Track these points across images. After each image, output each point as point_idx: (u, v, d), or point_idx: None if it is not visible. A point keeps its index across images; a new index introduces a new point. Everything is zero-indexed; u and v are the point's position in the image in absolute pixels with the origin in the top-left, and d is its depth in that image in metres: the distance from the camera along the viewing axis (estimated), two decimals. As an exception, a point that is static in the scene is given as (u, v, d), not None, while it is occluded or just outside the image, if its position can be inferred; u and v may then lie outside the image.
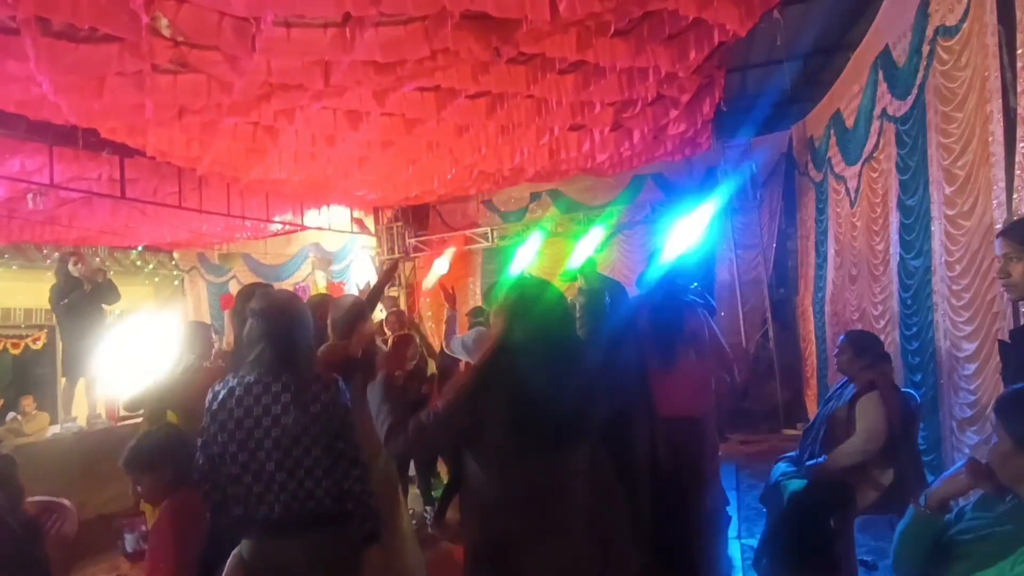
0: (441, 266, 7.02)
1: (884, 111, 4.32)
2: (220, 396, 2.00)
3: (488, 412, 1.73)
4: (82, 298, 5.42)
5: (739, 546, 3.88)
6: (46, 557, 2.43)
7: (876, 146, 4.55)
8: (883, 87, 4.31)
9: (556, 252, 8.41)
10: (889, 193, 4.33)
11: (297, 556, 1.94)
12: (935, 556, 1.46)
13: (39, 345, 9.33)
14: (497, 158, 5.79)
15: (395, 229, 9.00)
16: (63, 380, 5.71)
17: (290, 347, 2.02)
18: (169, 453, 2.29)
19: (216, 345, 5.45)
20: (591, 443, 1.86)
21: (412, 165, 5.84)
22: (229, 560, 2.00)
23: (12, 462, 2.51)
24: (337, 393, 2.04)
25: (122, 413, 5.76)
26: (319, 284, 9.36)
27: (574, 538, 1.78)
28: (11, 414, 7.38)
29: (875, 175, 4.65)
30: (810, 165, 6.74)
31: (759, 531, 3.71)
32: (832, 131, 5.73)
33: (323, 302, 3.26)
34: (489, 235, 8.48)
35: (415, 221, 9.14)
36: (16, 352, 9.26)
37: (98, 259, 9.01)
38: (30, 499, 2.79)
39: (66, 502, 3.15)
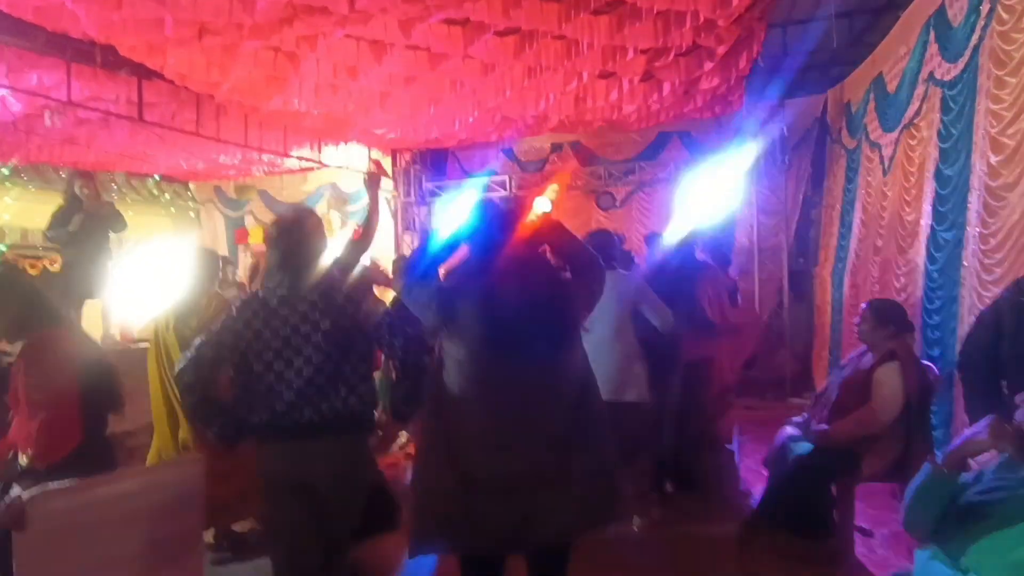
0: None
1: (931, 74, 4.12)
2: (252, 304, 2.08)
3: (460, 304, 1.89)
4: (68, 235, 5.26)
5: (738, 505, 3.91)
6: None
7: (918, 112, 4.37)
8: (933, 48, 4.11)
9: (575, 205, 8.30)
10: (927, 162, 4.17)
11: (319, 460, 2.02)
12: (950, 515, 1.44)
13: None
14: (521, 103, 5.63)
15: (412, 172, 8.89)
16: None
17: (312, 260, 2.13)
18: (9, 290, 2.21)
19: (230, 276, 5.47)
20: (568, 362, 1.95)
21: (434, 104, 5.70)
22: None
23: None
24: (360, 309, 2.15)
25: (136, 336, 5.83)
26: (334, 224, 9.32)
27: (533, 445, 1.85)
28: (27, 332, 7.51)
29: (913, 143, 4.48)
30: (844, 131, 6.51)
31: (759, 492, 3.73)
32: (872, 95, 5.51)
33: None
34: (507, 184, 8.35)
35: (433, 166, 9.02)
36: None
37: (114, 185, 9.02)
38: None
39: None
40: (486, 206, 2.07)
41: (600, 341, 3.21)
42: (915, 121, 4.44)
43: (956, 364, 3.02)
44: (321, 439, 2.01)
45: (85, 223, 5.29)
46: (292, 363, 2.00)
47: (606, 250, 3.52)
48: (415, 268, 1.99)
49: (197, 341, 2.08)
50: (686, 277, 3.94)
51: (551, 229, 2.03)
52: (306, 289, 2.07)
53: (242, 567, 3.21)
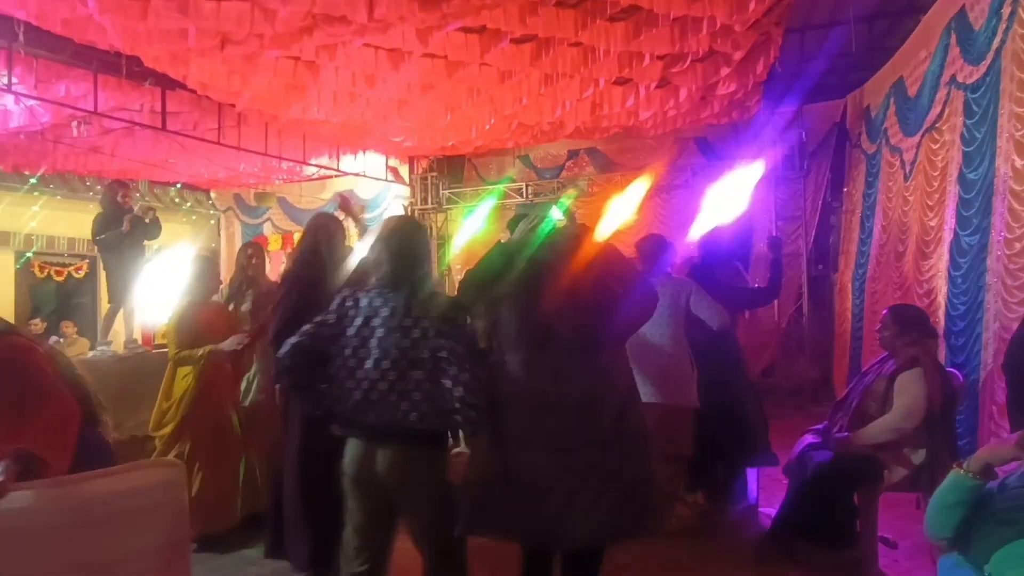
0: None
1: (953, 78, 4.07)
2: (346, 304, 2.13)
3: (504, 313, 2.09)
4: (122, 236, 5.49)
5: (757, 514, 3.86)
6: None
7: (940, 115, 4.31)
8: (955, 52, 4.06)
9: (590, 212, 8.28)
10: (949, 166, 4.11)
11: (382, 463, 2.04)
12: (973, 522, 1.41)
13: (81, 274, 9.62)
14: (538, 110, 5.65)
15: (429, 180, 8.94)
16: (107, 306, 5.88)
17: (410, 269, 2.13)
18: None
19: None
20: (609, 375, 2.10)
21: (451, 112, 5.74)
22: None
23: None
24: (450, 318, 2.11)
25: (157, 340, 5.93)
26: (351, 231, 9.39)
27: (575, 451, 1.98)
28: (53, 338, 7.68)
29: (935, 146, 4.42)
30: (864, 136, 6.45)
31: (779, 501, 3.67)
32: (892, 99, 5.45)
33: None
34: (524, 191, 8.37)
35: (450, 173, 9.07)
36: (60, 280, 9.57)
37: (138, 194, 9.20)
38: None
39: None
40: (551, 226, 2.22)
41: (658, 345, 3.33)
42: (937, 125, 4.39)
43: (1002, 367, 2.96)
44: (383, 444, 2.04)
45: (134, 224, 5.44)
46: (364, 363, 2.04)
47: (659, 255, 3.63)
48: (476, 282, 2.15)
49: (303, 329, 2.16)
50: None
51: (610, 255, 2.16)
52: (399, 295, 2.09)
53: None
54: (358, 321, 2.07)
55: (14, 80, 4.81)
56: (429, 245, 2.29)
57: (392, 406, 2.00)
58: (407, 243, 2.16)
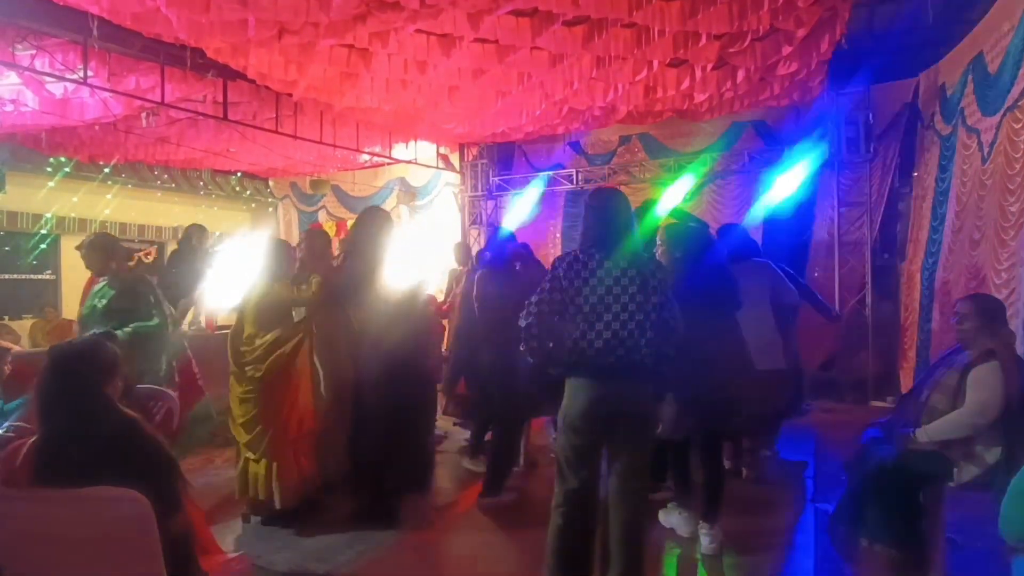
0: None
1: (1040, 51, 3.78)
2: (574, 267, 2.45)
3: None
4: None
5: (813, 510, 3.74)
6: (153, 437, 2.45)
7: (1023, 93, 4.02)
8: (1042, 23, 3.76)
9: (642, 199, 8.14)
10: (1033, 146, 3.83)
11: (619, 395, 2.42)
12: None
13: (150, 259, 10.12)
14: (589, 94, 5.57)
15: (479, 167, 8.96)
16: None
17: (620, 232, 2.50)
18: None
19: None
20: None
21: (501, 98, 5.72)
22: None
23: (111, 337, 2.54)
24: (666, 274, 2.58)
25: (219, 323, 6.18)
26: (403, 218, 9.54)
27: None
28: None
29: (1018, 126, 4.12)
30: (937, 117, 6.07)
31: (836, 498, 3.55)
32: (970, 77, 5.10)
33: None
34: (574, 177, 8.29)
35: (500, 160, 9.06)
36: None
37: (201, 182, 9.61)
38: (138, 386, 3.04)
39: (171, 393, 3.43)
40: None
41: (754, 318, 3.72)
42: (1020, 103, 4.09)
43: None
44: (622, 378, 2.40)
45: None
46: (602, 316, 2.38)
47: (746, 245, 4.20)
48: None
49: (535, 298, 2.46)
50: None
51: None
52: (618, 256, 2.44)
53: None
54: (591, 279, 2.41)
55: (89, 73, 5.06)
56: (631, 211, 2.61)
57: (634, 346, 2.38)
58: (614, 211, 2.53)
